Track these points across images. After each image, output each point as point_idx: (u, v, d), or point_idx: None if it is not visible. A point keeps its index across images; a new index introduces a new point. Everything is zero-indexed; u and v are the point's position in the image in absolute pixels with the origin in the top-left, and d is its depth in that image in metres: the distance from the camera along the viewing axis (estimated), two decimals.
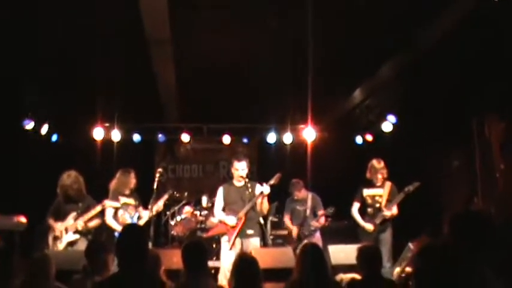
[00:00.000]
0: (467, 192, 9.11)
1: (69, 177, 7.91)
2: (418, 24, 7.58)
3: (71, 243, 7.77)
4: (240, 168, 7.76)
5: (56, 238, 7.81)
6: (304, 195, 9.29)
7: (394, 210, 8.19)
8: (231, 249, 7.44)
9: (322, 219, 9.15)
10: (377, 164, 8.41)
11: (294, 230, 9.19)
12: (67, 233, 7.76)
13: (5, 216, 7.41)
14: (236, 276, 4.89)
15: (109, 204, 7.93)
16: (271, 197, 7.97)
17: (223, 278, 7.22)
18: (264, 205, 7.70)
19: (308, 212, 9.19)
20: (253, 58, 8.77)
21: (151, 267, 4.91)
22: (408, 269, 5.91)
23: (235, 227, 7.49)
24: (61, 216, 7.88)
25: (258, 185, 7.71)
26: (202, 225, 10.74)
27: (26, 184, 9.96)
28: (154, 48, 8.21)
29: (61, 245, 7.70)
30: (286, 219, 9.48)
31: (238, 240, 7.49)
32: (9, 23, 7.49)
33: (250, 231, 7.57)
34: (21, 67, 8.68)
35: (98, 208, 7.84)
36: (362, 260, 5.21)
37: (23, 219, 7.62)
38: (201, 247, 4.85)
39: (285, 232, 10.18)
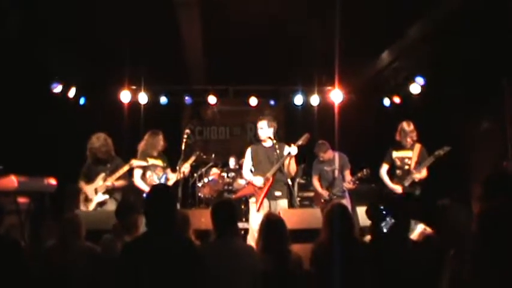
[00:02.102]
0: (497, 155, 9.02)
1: (98, 140, 7.98)
2: None
3: (101, 204, 7.89)
4: (259, 127, 7.73)
5: (86, 199, 7.93)
6: (331, 156, 9.20)
7: (424, 172, 8.14)
8: (258, 210, 7.40)
9: (352, 182, 9.06)
10: (407, 126, 8.33)
11: (324, 193, 9.14)
12: (97, 194, 7.87)
13: (35, 179, 7.45)
14: (263, 236, 4.92)
15: (136, 163, 7.99)
16: (299, 159, 7.95)
17: (252, 239, 7.24)
18: (291, 166, 7.67)
19: (336, 172, 9.14)
20: (280, 19, 8.68)
21: (180, 227, 4.96)
22: (428, 230, 5.88)
23: (263, 188, 7.47)
24: (91, 178, 8.00)
25: (286, 147, 7.67)
26: (230, 187, 10.82)
27: (55, 146, 10.08)
28: (181, 10, 8.16)
29: (91, 206, 7.82)
30: (315, 182, 9.39)
31: (266, 201, 7.47)
32: None
33: (278, 193, 7.54)
34: (48, 31, 8.70)
35: (126, 167, 7.92)
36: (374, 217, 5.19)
37: (53, 181, 7.68)
38: (230, 207, 4.82)
39: (312, 194, 10.19)
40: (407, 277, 4.59)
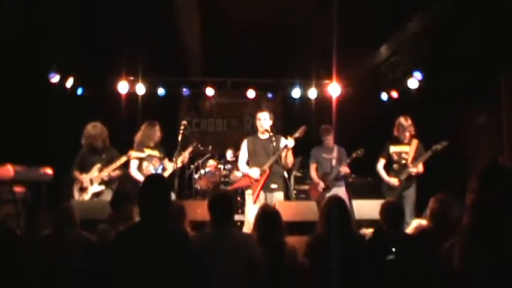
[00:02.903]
0: (493, 149, 9.05)
1: (95, 128, 7.98)
2: None
3: (97, 194, 7.89)
4: (263, 118, 7.72)
5: (81, 189, 7.92)
6: (331, 144, 9.18)
7: (420, 167, 8.16)
8: (255, 202, 7.43)
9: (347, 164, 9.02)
10: (404, 121, 8.36)
11: (321, 184, 9.10)
12: (92, 184, 7.87)
13: (32, 168, 7.46)
14: (258, 228, 4.93)
15: (134, 154, 7.98)
16: (295, 151, 7.96)
17: (248, 231, 7.25)
18: (288, 158, 7.66)
19: (334, 162, 9.11)
20: (278, 11, 8.67)
21: (176, 218, 4.96)
22: (423, 223, 5.90)
23: (260, 180, 7.50)
24: (86, 168, 7.99)
25: (282, 139, 7.68)
26: (226, 179, 10.81)
27: (52, 136, 10.07)
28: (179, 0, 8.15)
29: (87, 196, 7.82)
30: (313, 171, 9.30)
31: (262, 194, 7.50)
32: None
33: (274, 186, 7.58)
34: (46, 21, 8.67)
35: (123, 158, 7.91)
36: (384, 215, 5.22)
37: (49, 171, 7.68)
38: (228, 199, 4.81)
39: (307, 187, 10.17)
40: (403, 269, 4.61)
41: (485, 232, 3.01)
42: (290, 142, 7.50)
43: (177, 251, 3.91)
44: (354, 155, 8.82)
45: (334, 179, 8.95)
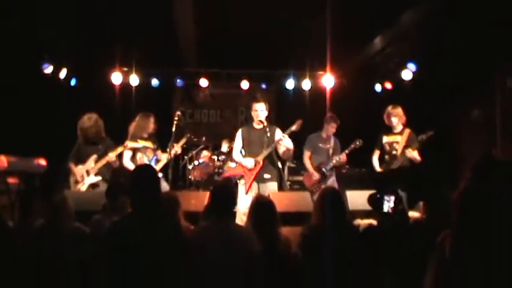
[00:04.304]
0: (486, 142, 9.07)
1: (90, 120, 7.91)
2: None
3: (93, 186, 7.84)
4: (259, 109, 7.69)
5: (77, 181, 7.88)
6: (331, 134, 9.16)
7: (415, 154, 8.04)
8: (247, 193, 7.45)
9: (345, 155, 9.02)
10: (391, 109, 8.34)
11: (315, 174, 9.07)
12: (88, 175, 7.83)
13: (26, 159, 7.45)
14: (253, 218, 4.90)
15: (131, 145, 7.95)
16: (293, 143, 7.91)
17: (239, 221, 7.25)
18: (287, 154, 7.75)
19: (331, 151, 9.09)
20: (273, 2, 8.65)
21: (170, 208, 4.95)
22: (416, 215, 5.93)
23: (253, 170, 7.51)
24: (81, 159, 7.94)
25: (277, 130, 7.68)
26: (220, 170, 10.81)
27: (46, 127, 10.04)
28: None
29: (83, 187, 7.77)
30: (306, 159, 9.19)
31: (255, 184, 7.52)
32: None
33: (267, 176, 7.57)
34: (40, 11, 8.64)
35: (120, 148, 7.87)
36: (373, 205, 5.23)
37: (43, 162, 7.66)
38: (231, 189, 4.80)
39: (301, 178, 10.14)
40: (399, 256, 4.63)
41: (471, 222, 3.04)
42: (289, 142, 7.50)
43: (170, 241, 3.91)
44: (352, 146, 8.81)
45: (329, 170, 8.94)
